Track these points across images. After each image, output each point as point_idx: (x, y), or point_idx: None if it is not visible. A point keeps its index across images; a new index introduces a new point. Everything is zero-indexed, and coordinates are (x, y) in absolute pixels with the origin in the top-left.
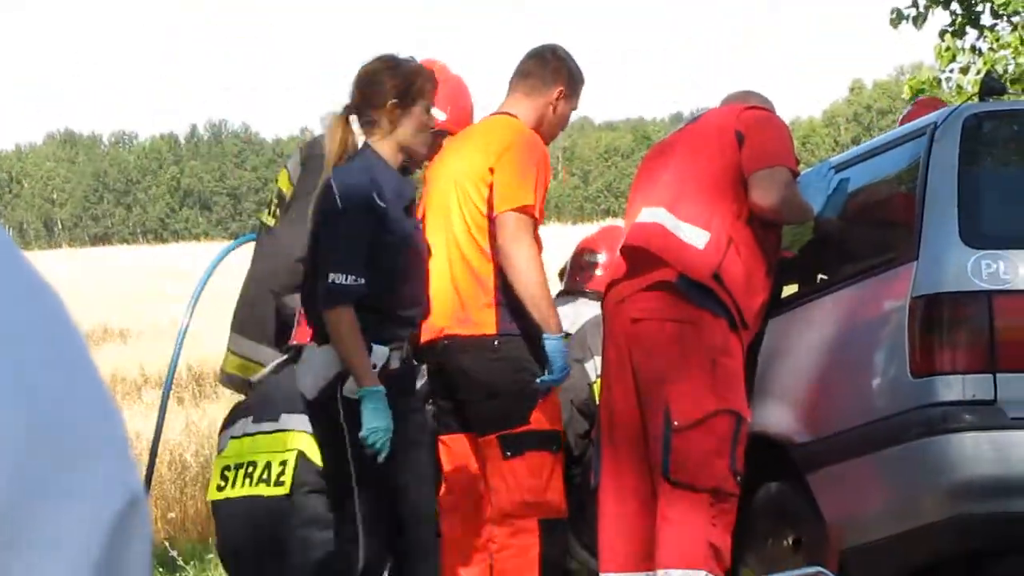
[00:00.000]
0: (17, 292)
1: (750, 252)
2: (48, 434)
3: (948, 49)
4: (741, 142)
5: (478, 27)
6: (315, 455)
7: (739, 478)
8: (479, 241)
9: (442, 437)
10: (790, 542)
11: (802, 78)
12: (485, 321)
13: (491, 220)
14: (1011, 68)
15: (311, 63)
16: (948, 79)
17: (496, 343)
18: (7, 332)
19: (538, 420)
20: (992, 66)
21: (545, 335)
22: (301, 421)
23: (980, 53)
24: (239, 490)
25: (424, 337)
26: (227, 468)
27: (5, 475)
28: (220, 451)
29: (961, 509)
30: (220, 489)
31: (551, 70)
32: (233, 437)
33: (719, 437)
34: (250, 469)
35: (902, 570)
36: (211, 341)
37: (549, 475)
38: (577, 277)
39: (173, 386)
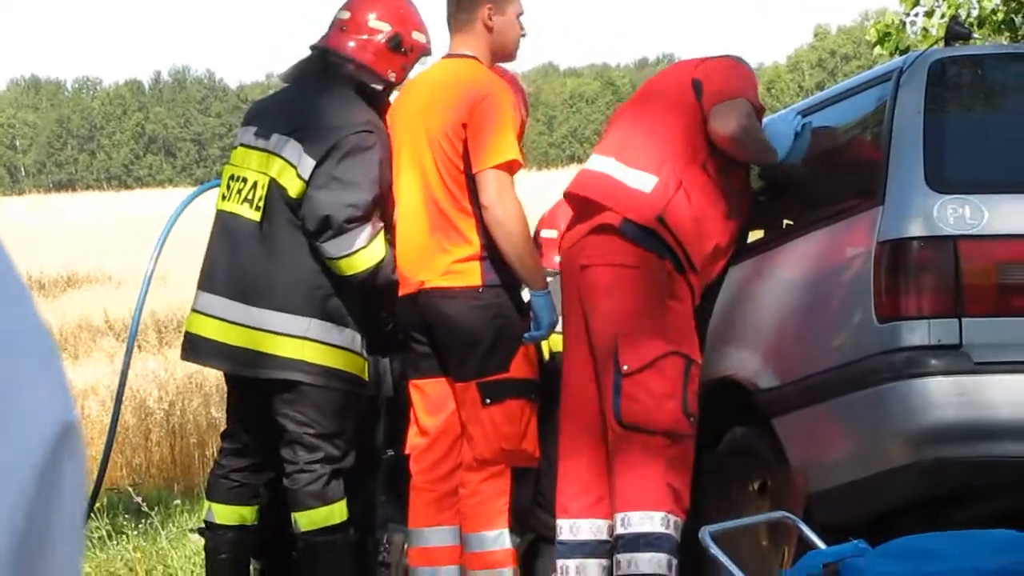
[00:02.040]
0: None
1: (703, 196)
2: None
3: None
4: (699, 90)
5: None
6: (286, 180)
7: (693, 419)
8: (457, 196)
9: (415, 381)
10: (756, 487)
11: (766, 23)
12: (470, 272)
13: (467, 176)
14: (975, 12)
15: (274, 9)
16: (913, 23)
17: (480, 291)
18: None
19: (517, 368)
20: (956, 10)
21: (531, 291)
22: (284, 145)
23: None
24: (228, 204)
25: (402, 291)
26: (232, 177)
27: None
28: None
29: (926, 454)
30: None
31: None
32: (243, 144)
33: (670, 379)
34: (240, 185)
35: (867, 514)
36: (174, 288)
37: (527, 423)
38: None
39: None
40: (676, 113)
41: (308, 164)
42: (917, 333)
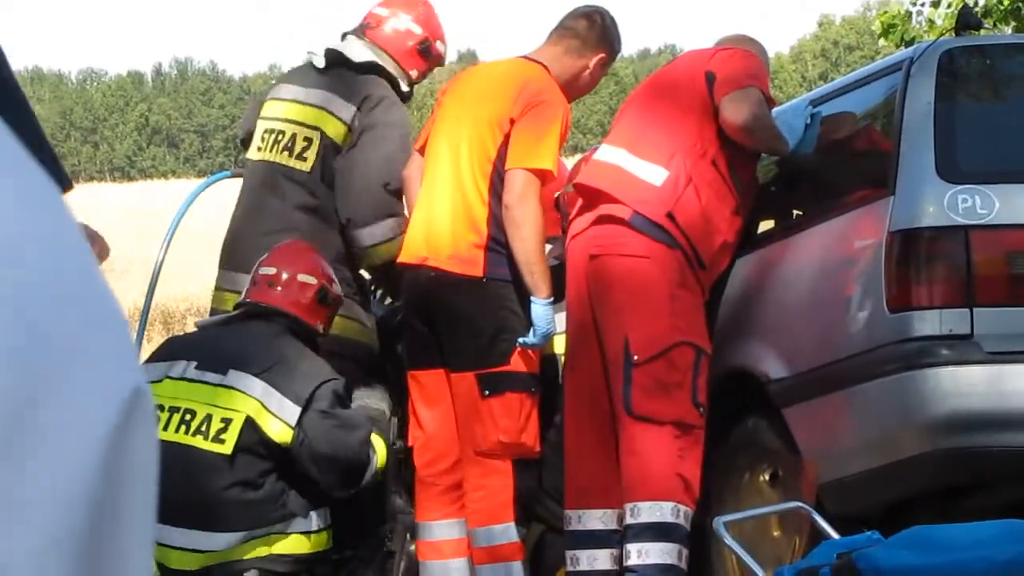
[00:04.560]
0: (20, 196)
1: (712, 192)
2: (45, 334)
3: None
4: (711, 82)
5: None
6: (264, 423)
7: (702, 410)
8: (480, 185)
9: (413, 372)
10: (767, 477)
11: (770, 13)
12: (474, 260)
13: (495, 169)
14: (982, 2)
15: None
16: (919, 12)
17: (484, 281)
18: (7, 233)
19: (517, 361)
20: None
21: (533, 298)
22: (248, 384)
23: None
24: (172, 435)
25: (402, 258)
26: (161, 408)
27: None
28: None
29: (937, 444)
30: None
31: (597, 34)
32: (170, 377)
33: (679, 369)
34: (187, 417)
35: (878, 504)
36: (180, 279)
37: (526, 417)
38: None
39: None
40: (688, 105)
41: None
42: (928, 323)
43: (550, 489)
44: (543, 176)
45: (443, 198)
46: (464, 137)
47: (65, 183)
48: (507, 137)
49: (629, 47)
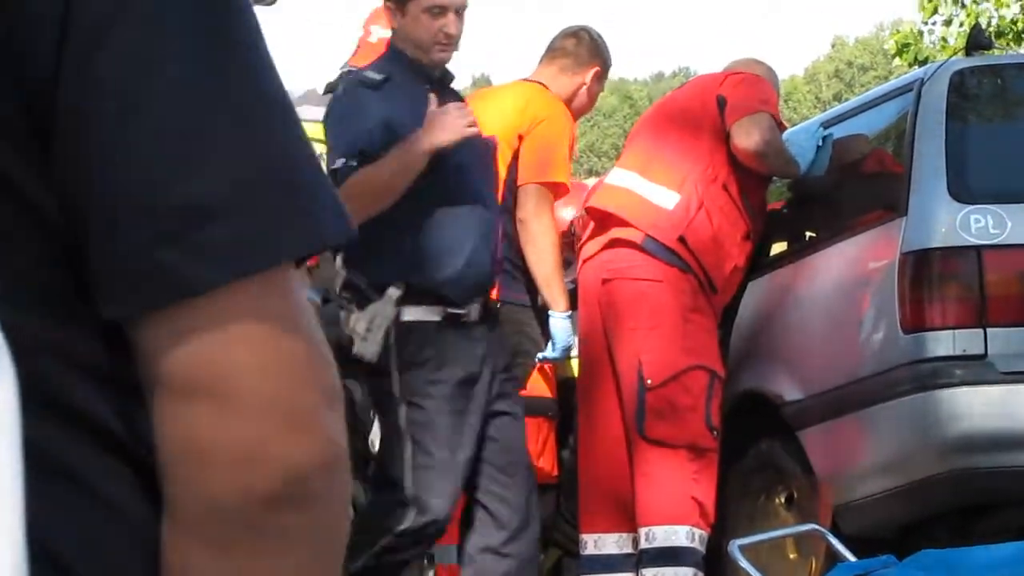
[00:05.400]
0: None
1: (723, 217)
2: None
3: (931, 1)
4: (722, 106)
5: None
6: None
7: (716, 433)
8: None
9: None
10: (783, 499)
11: (783, 35)
12: None
13: (506, 186)
14: (995, 21)
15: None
16: (931, 31)
17: (498, 307)
18: None
19: (534, 386)
20: (977, 18)
21: (551, 312)
22: None
23: (963, 5)
24: None
25: None
26: None
27: None
28: None
29: (953, 464)
30: None
31: (587, 49)
32: None
33: (693, 393)
34: None
35: (894, 525)
36: None
37: (543, 442)
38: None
39: None
40: (699, 130)
41: None
42: (942, 344)
43: (567, 514)
44: (556, 190)
45: None
46: None
47: None
48: (516, 154)
49: (643, 70)
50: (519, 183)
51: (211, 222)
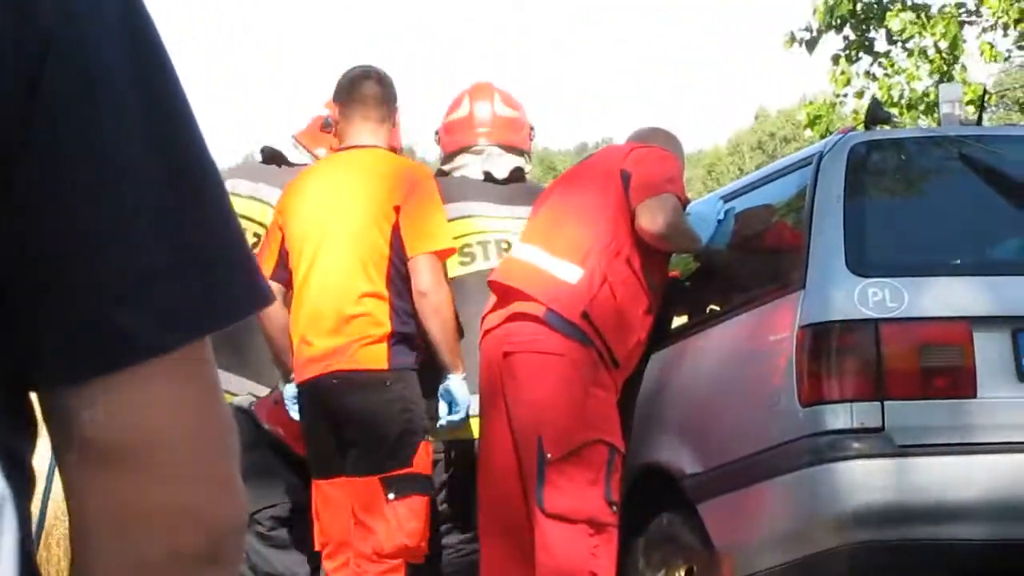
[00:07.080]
0: None
1: (626, 291)
2: None
3: (843, 73)
4: (627, 181)
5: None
6: None
7: (615, 507)
8: (374, 278)
9: (319, 481)
10: (683, 574)
11: (709, 105)
12: (376, 357)
13: (390, 262)
14: (906, 94)
15: (250, 98)
16: (843, 103)
17: (388, 382)
18: None
19: (419, 463)
20: (889, 91)
21: (451, 375)
22: None
23: (875, 78)
24: None
25: (310, 373)
26: None
27: None
28: None
29: (851, 537)
30: None
31: (390, 92)
32: None
33: (593, 467)
34: None
35: None
36: None
37: (426, 519)
38: None
39: None
40: (603, 203)
41: None
42: (840, 417)
43: None
44: (445, 255)
45: (333, 302)
46: (343, 237)
47: None
48: (395, 226)
49: (566, 141)
50: (409, 255)
51: (154, 290)
